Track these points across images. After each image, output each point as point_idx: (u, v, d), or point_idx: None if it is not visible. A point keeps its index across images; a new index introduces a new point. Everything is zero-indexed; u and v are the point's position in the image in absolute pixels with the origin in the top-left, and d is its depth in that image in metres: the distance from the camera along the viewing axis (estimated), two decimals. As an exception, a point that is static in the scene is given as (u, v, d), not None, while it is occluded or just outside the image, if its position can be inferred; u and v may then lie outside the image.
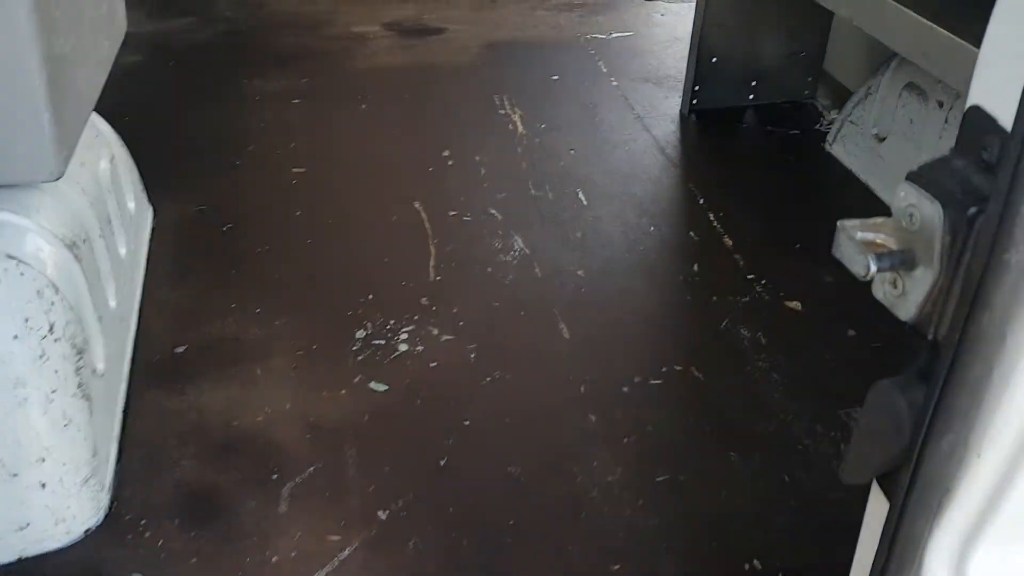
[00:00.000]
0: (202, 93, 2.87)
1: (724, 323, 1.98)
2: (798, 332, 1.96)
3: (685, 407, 1.77)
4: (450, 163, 2.54)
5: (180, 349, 1.85)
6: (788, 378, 1.83)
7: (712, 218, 2.33)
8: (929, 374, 0.79)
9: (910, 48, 1.79)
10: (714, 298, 2.05)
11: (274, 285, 2.05)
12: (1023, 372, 0.70)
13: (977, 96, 0.74)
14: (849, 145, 2.58)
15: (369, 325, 1.92)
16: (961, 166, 0.75)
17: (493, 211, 2.34)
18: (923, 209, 0.75)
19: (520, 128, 2.73)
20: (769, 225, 2.32)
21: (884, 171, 2.42)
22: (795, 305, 2.04)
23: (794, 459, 1.65)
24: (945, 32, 1.69)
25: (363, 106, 2.84)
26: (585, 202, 2.38)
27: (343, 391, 1.75)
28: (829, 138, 2.67)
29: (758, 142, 2.73)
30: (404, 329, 1.92)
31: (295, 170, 2.48)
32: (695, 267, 2.15)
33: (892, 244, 0.77)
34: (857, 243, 0.78)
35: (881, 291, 0.80)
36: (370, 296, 2.01)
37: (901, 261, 0.76)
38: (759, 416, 1.75)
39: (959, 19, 1.72)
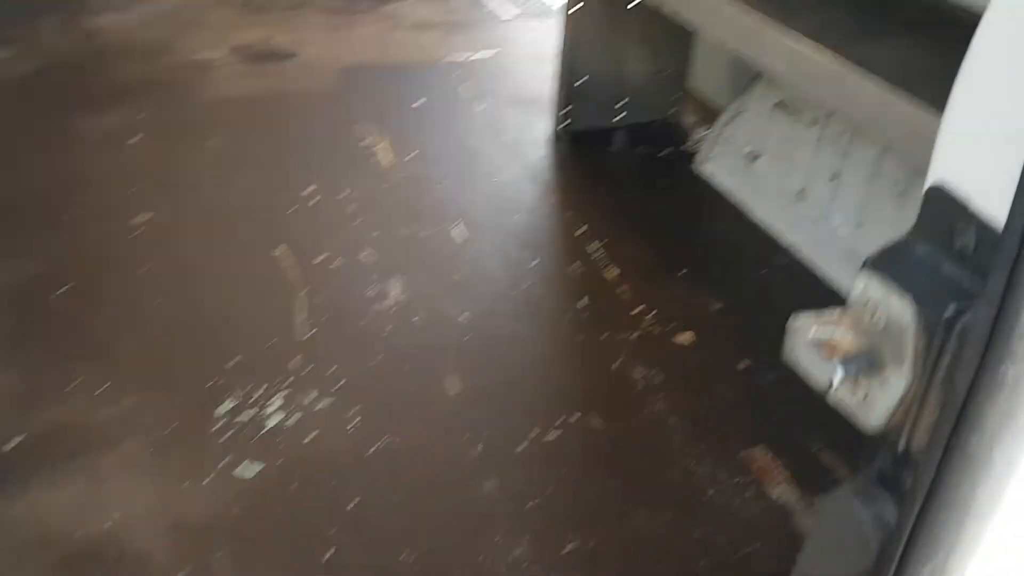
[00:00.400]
0: (24, 136, 2.58)
1: (617, 363, 1.89)
2: (692, 367, 1.89)
3: (587, 462, 1.66)
4: (313, 202, 2.36)
5: (11, 444, 1.60)
6: (687, 420, 1.75)
7: (594, 247, 2.25)
8: (899, 488, 0.69)
9: (791, 73, 1.75)
10: (604, 336, 1.96)
11: (121, 356, 1.82)
12: (1014, 492, 0.61)
13: (940, 174, 0.65)
14: (721, 165, 2.55)
15: (234, 396, 1.73)
16: (927, 254, 0.66)
17: (364, 254, 2.18)
18: (890, 305, 0.65)
19: (386, 160, 2.58)
20: (651, 252, 2.25)
21: (759, 190, 2.40)
22: (686, 338, 1.97)
23: (702, 513, 1.56)
24: (826, 54, 1.65)
25: (212, 141, 2.61)
26: (462, 238, 2.25)
27: (208, 479, 1.55)
28: (700, 157, 2.64)
29: (631, 164, 2.67)
30: (274, 397, 1.73)
31: (137, 219, 2.24)
32: (582, 303, 2.05)
33: (853, 343, 0.67)
34: (815, 348, 0.67)
35: (838, 395, 0.70)
36: (233, 361, 1.81)
37: (868, 364, 0.66)
38: (663, 465, 1.66)
39: (841, 40, 1.69)
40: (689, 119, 2.89)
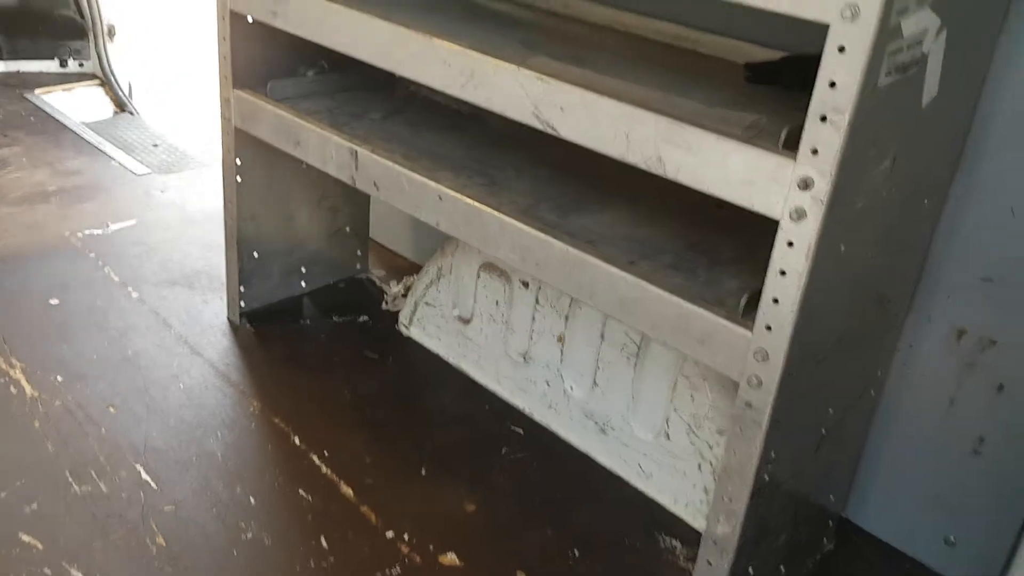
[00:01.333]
0: None
1: (384, 614, 1.60)
2: (467, 594, 1.66)
3: None
4: (-68, 475, 1.78)
5: None
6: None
7: (317, 460, 1.93)
8: None
9: (521, 261, 1.61)
10: (360, 580, 1.66)
11: None
12: None
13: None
14: (430, 328, 2.37)
15: None
16: None
17: (25, 535, 1.66)
18: None
19: (28, 389, 2.05)
20: (382, 452, 1.99)
21: (478, 354, 2.25)
22: (451, 559, 1.73)
23: None
24: (561, 242, 1.54)
25: None
26: (153, 484, 1.82)
27: None
28: (403, 320, 2.43)
29: (330, 337, 2.39)
30: None
31: None
32: (323, 543, 1.73)
33: None
34: None
35: None
36: None
37: None
38: None
39: (557, 215, 1.59)
40: (380, 274, 2.68)
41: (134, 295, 2.46)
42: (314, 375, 2.23)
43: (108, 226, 2.81)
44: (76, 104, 3.95)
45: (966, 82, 1.46)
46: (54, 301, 2.39)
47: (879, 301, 1.55)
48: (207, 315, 2.41)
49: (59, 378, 2.09)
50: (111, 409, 2.02)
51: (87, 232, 2.76)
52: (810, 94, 1.15)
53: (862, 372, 1.65)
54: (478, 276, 2.19)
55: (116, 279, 2.52)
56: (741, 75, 1.69)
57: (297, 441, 1.98)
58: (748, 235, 1.37)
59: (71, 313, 2.35)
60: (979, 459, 1.68)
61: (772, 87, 1.63)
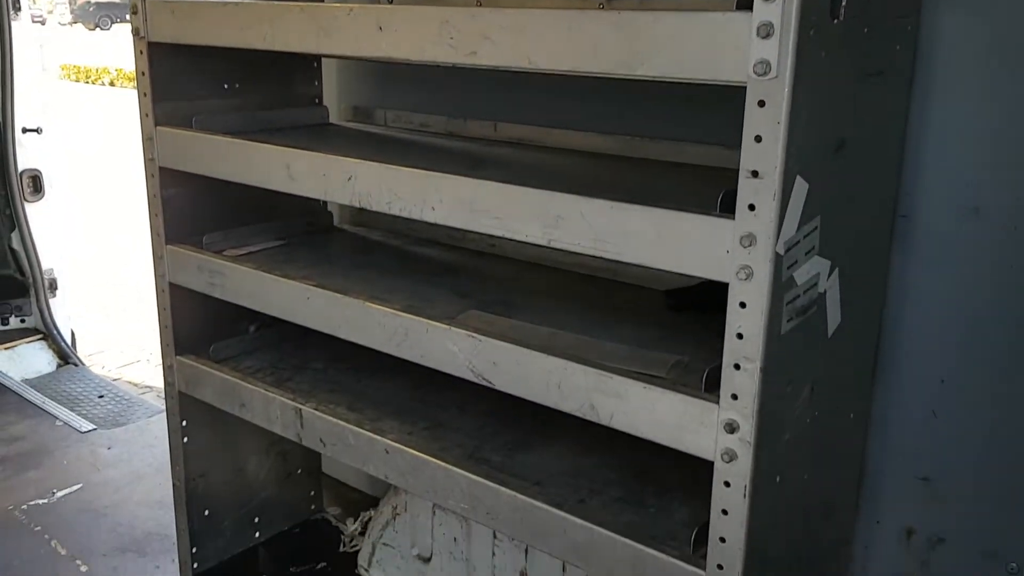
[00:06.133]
0: None
1: None
2: None
3: None
4: None
5: None
6: None
7: None
8: None
9: (472, 512, 1.62)
10: None
11: None
12: None
13: None
14: (390, 569, 2.32)
15: None
16: None
17: None
18: None
19: None
20: None
21: (441, 593, 2.20)
22: None
23: None
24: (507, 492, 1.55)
25: None
26: None
27: None
28: (363, 562, 2.38)
29: (287, 591, 2.33)
30: None
31: None
32: None
33: None
34: None
35: None
36: None
37: None
38: None
39: (503, 456, 1.62)
40: (336, 512, 2.64)
41: (83, 568, 2.38)
42: (274, 637, 2.15)
43: (53, 494, 2.75)
44: (17, 362, 3.94)
45: (867, 303, 1.56)
46: (-3, 585, 2.31)
47: (826, 513, 1.59)
48: (159, 581, 2.34)
49: (3, 676, 1.99)
50: None
51: (31, 503, 2.69)
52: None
53: (822, 583, 1.66)
54: (434, 513, 2.18)
55: (63, 552, 2.45)
56: (663, 303, 1.78)
57: None
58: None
59: (15, 597, 2.26)
60: (952, 658, 1.67)
61: (693, 312, 1.73)
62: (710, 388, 1.28)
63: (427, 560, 2.23)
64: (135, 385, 3.67)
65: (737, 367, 1.21)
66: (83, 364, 3.97)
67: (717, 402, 1.25)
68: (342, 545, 2.50)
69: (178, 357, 2.13)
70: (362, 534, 2.49)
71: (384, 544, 2.33)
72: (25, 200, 4.03)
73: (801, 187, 1.17)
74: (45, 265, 4.14)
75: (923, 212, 1.55)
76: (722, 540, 1.29)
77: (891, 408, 1.63)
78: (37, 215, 4.05)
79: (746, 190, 1.15)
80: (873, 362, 1.62)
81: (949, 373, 1.57)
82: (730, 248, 1.17)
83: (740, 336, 1.20)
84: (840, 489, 1.63)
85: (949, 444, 1.59)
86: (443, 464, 1.65)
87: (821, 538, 1.59)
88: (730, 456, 1.25)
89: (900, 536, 1.68)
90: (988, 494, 1.56)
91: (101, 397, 3.55)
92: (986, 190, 1.50)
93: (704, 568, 1.32)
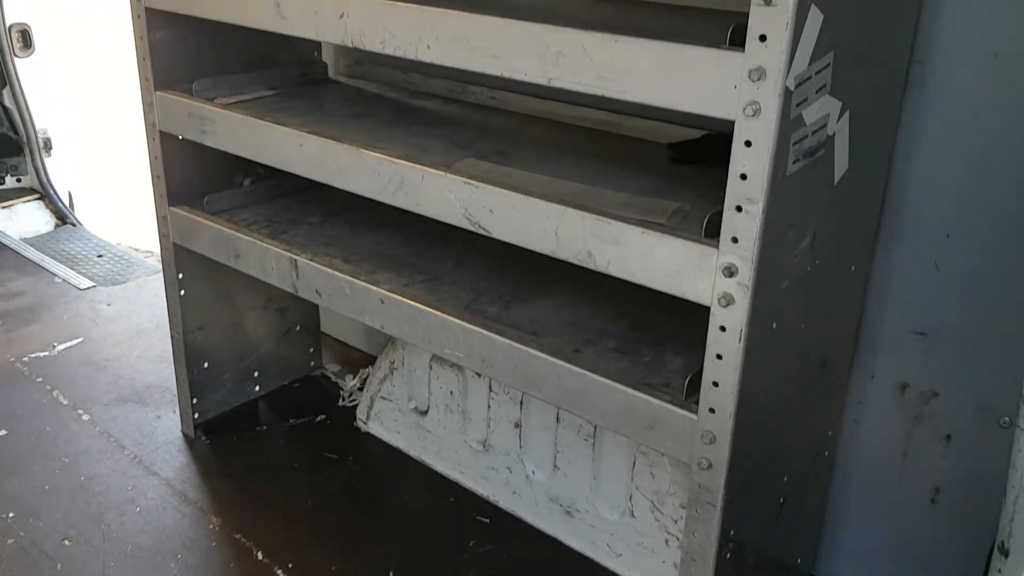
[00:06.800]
0: None
1: None
2: None
3: None
4: None
5: None
6: None
7: (282, 575, 1.90)
8: None
9: (466, 358, 1.62)
10: None
11: None
12: None
13: None
14: (388, 422, 2.36)
15: None
16: None
17: None
18: None
19: (-24, 531, 1.99)
20: (347, 555, 1.96)
21: (437, 445, 2.24)
22: (426, 664, 1.70)
23: None
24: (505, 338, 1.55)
25: None
26: (112, 620, 1.78)
27: None
28: (361, 415, 2.42)
29: (288, 442, 2.37)
30: None
31: None
32: (293, 662, 1.69)
33: None
34: None
35: None
36: None
37: None
38: None
39: (500, 307, 1.61)
40: (335, 369, 2.67)
41: (84, 417, 2.42)
42: (274, 483, 2.20)
43: (54, 347, 2.77)
44: (16, 221, 3.91)
45: (876, 151, 1.51)
46: (2, 432, 2.34)
47: (821, 364, 1.59)
48: (161, 431, 2.38)
49: (11, 515, 2.04)
50: (66, 543, 1.97)
51: (33, 356, 2.72)
52: (729, 174, 1.18)
53: (813, 435, 1.68)
54: (430, 368, 2.20)
55: (65, 402, 2.48)
56: (665, 156, 1.73)
57: (260, 556, 1.95)
58: (692, 307, 1.40)
59: (20, 443, 2.30)
60: (937, 508, 1.70)
61: (695, 165, 1.68)
62: (710, 234, 1.25)
63: (424, 413, 2.26)
64: (135, 249, 3.64)
65: (739, 209, 1.18)
66: (81, 225, 3.94)
67: (717, 246, 1.22)
68: (341, 400, 2.53)
69: (171, 208, 2.10)
70: (361, 390, 2.52)
71: (382, 398, 2.36)
72: (15, 55, 3.91)
73: (816, 18, 1.11)
74: (39, 124, 4.06)
75: (940, 57, 1.48)
76: (715, 384, 1.28)
77: (893, 261, 1.61)
78: (28, 72, 3.94)
79: (758, 19, 1.08)
80: (878, 213, 1.58)
81: (955, 227, 1.54)
82: (738, 83, 1.12)
83: (744, 177, 1.16)
84: (836, 341, 1.62)
85: (949, 298, 1.57)
86: (438, 314, 1.64)
87: (814, 390, 1.59)
88: (727, 300, 1.23)
89: (894, 390, 1.68)
90: (984, 348, 1.56)
91: (100, 257, 3.54)
92: (1006, 35, 1.43)
93: (696, 412, 1.32)
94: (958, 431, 1.63)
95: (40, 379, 2.59)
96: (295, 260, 1.86)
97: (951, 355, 1.60)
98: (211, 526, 2.04)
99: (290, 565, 1.92)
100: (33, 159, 4.09)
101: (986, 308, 1.54)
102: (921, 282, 1.59)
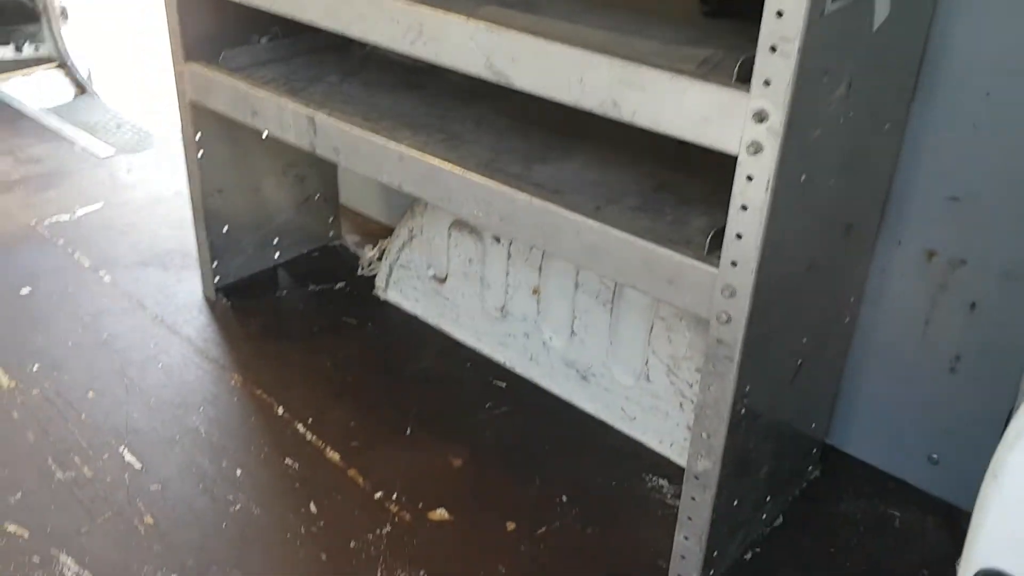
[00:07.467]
0: None
1: (378, 574, 1.61)
2: (457, 549, 1.67)
3: None
4: (-85, 473, 1.78)
5: None
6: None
7: (301, 428, 1.94)
8: None
9: (484, 217, 1.60)
10: (352, 544, 1.67)
11: None
12: None
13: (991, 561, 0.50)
14: (407, 290, 2.36)
15: None
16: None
17: (11, 525, 1.66)
18: None
19: (4, 380, 2.03)
20: (365, 416, 1.99)
21: (456, 312, 2.24)
22: (441, 515, 1.74)
23: None
24: (525, 194, 1.52)
25: None
26: (138, 465, 1.82)
27: None
28: (380, 283, 2.42)
29: (307, 307, 2.38)
30: None
31: None
32: (312, 508, 1.74)
33: None
34: None
35: None
36: None
37: None
38: None
39: (521, 167, 1.58)
40: (354, 239, 2.67)
41: (106, 279, 2.44)
42: (294, 345, 2.23)
43: (75, 211, 2.77)
44: (36, 89, 3.87)
45: (918, 0, 1.44)
46: (25, 291, 2.37)
47: (847, 228, 1.55)
48: (182, 293, 2.39)
49: (36, 367, 2.08)
50: (90, 394, 2.01)
51: (54, 219, 2.72)
52: (762, 23, 1.13)
53: (835, 300, 1.66)
54: (449, 235, 2.18)
55: (87, 264, 2.50)
56: (698, 8, 1.66)
57: (280, 411, 1.99)
58: (719, 172, 1.36)
59: (43, 301, 2.33)
60: (956, 377, 1.69)
61: (730, 19, 1.61)
62: (742, 79, 1.20)
63: (443, 280, 2.25)
64: (152, 119, 3.61)
65: (773, 49, 1.13)
66: (99, 95, 3.90)
67: (748, 91, 1.17)
68: (360, 269, 2.53)
69: (188, 64, 2.05)
70: (379, 260, 2.52)
71: (400, 266, 2.35)
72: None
73: None
74: (55, -6, 3.98)
75: (997, -101, 1.39)
76: (739, 236, 1.26)
77: (929, 120, 1.55)
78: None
79: None
80: (917, 68, 1.52)
81: (996, 86, 1.47)
82: (778, -91, 1.05)
83: (780, 14, 1.10)
84: (864, 202, 1.58)
85: (985, 161, 1.52)
86: (457, 170, 1.61)
87: (838, 251, 1.56)
88: (756, 148, 1.19)
89: (921, 257, 1.65)
90: (1018, 215, 1.51)
91: (119, 127, 3.51)
92: None
93: (717, 265, 1.30)
94: (983, 299, 1.61)
95: (62, 241, 2.60)
96: (313, 117, 1.82)
97: (983, 221, 1.55)
98: (232, 382, 2.07)
99: (310, 420, 1.96)
100: (51, 27, 4.03)
101: (1023, 172, 1.49)
102: (958, 143, 1.54)
